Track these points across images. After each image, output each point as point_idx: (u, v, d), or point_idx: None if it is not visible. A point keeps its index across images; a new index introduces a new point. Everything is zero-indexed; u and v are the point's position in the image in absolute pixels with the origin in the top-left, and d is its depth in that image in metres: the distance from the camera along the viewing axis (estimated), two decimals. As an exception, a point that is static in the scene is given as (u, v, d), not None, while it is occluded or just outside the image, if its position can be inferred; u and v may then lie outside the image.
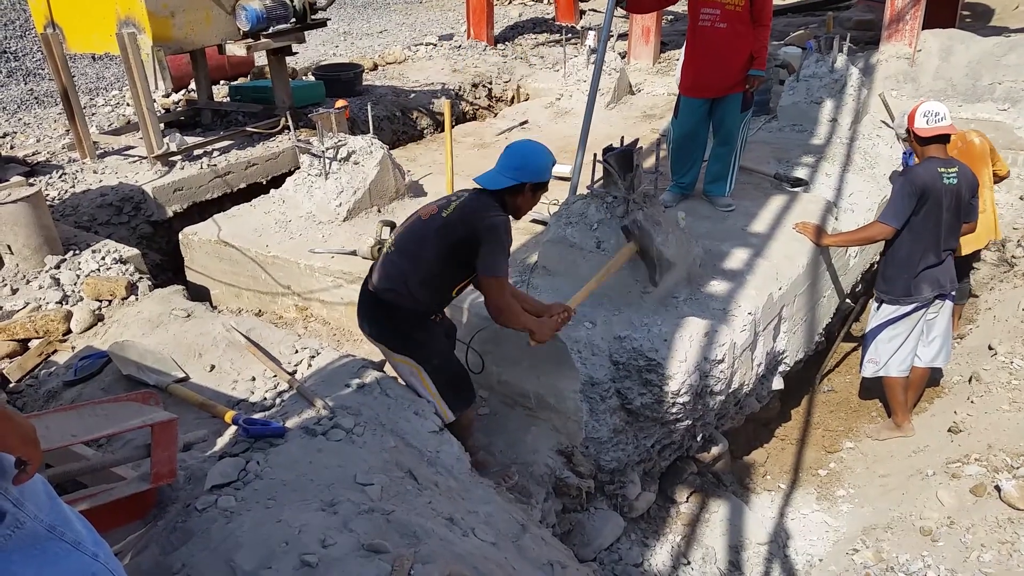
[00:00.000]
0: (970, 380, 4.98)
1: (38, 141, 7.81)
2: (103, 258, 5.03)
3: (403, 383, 3.66)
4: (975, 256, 6.10)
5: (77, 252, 5.10)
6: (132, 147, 7.16)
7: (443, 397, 3.52)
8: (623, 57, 10.40)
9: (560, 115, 8.47)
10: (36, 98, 9.83)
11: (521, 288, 4.22)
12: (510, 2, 16.65)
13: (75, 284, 4.78)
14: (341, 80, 9.12)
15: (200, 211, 6.49)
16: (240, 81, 9.87)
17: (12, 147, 7.63)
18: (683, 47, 5.62)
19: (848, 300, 5.72)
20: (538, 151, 3.35)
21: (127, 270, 4.97)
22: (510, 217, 3.33)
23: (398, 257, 3.35)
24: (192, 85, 8.96)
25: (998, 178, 5.66)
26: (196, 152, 6.95)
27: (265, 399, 3.53)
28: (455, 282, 3.36)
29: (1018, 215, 7.01)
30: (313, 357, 3.85)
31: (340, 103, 7.31)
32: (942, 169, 4.36)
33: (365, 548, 2.33)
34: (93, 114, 8.91)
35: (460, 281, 3.37)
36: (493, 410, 4.20)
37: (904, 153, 5.43)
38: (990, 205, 5.61)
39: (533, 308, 3.56)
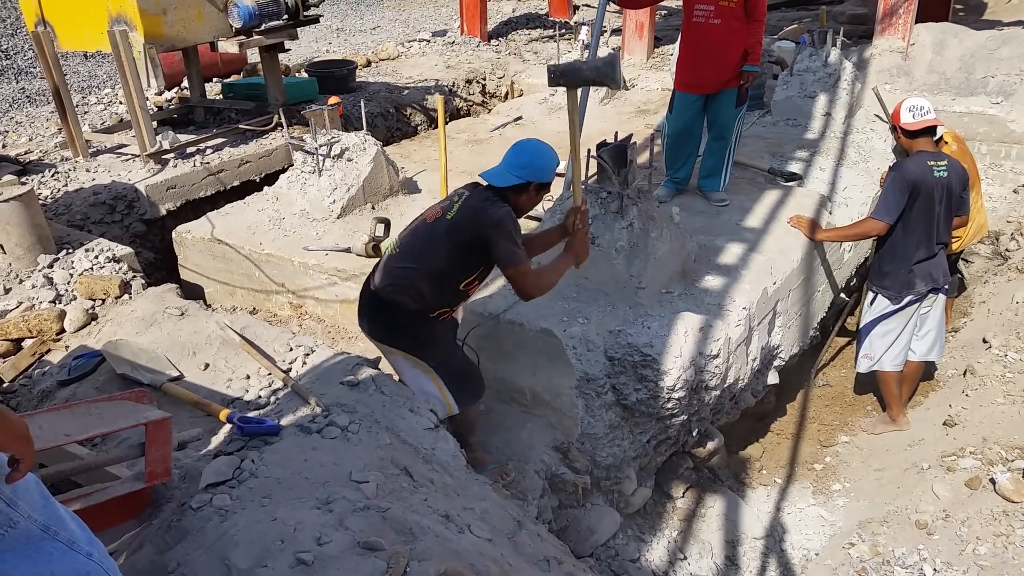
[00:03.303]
0: (965, 373, 4.99)
1: (30, 140, 7.77)
2: (96, 257, 5.01)
3: (398, 379, 3.66)
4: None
5: (70, 251, 5.08)
6: (125, 145, 7.13)
7: (451, 392, 3.54)
8: (617, 52, 10.38)
9: (554, 111, 8.46)
10: (28, 97, 9.79)
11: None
12: (503, -2, 16.62)
13: (68, 283, 4.76)
14: (334, 77, 9.09)
15: (193, 209, 6.47)
16: (233, 78, 9.84)
17: (4, 146, 7.60)
18: (677, 42, 5.62)
19: (843, 294, 5.73)
20: (544, 151, 3.34)
21: (120, 269, 4.95)
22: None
23: (403, 260, 3.36)
24: (185, 83, 8.92)
25: None
26: (189, 150, 6.93)
27: (260, 397, 3.52)
28: (464, 278, 3.36)
29: (1011, 208, 7.03)
30: (308, 355, 3.84)
31: (333, 100, 7.30)
32: (931, 162, 4.38)
33: (361, 546, 2.32)
34: (85, 112, 8.88)
35: (469, 277, 3.36)
36: (489, 407, 4.19)
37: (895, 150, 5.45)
38: (981, 200, 5.64)
39: (551, 240, 3.61)
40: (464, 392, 3.59)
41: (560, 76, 3.18)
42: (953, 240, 4.93)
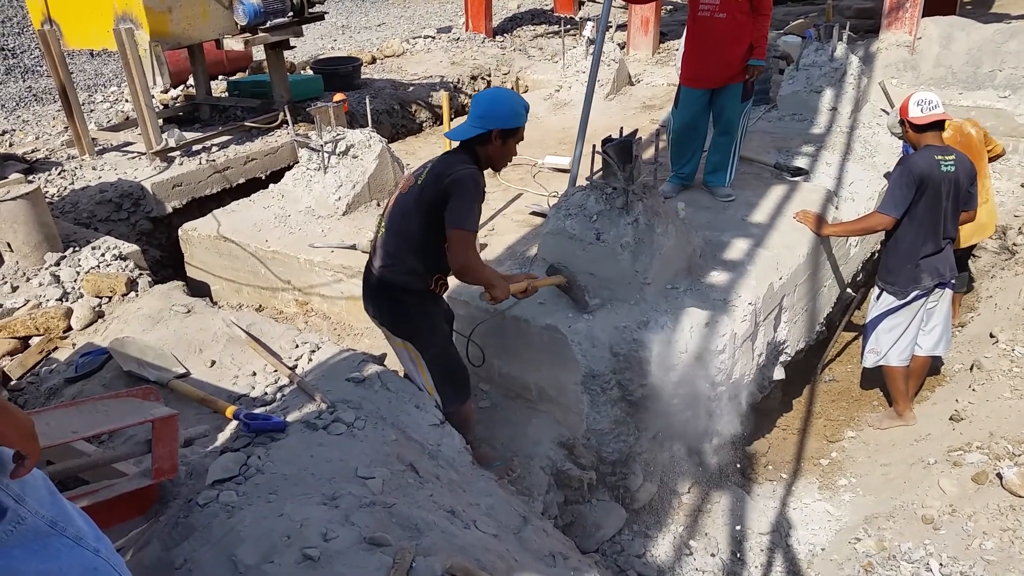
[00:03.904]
0: (971, 368, 4.97)
1: (37, 138, 7.81)
2: (103, 255, 5.03)
3: (403, 375, 3.67)
4: (974, 245, 6.10)
5: (77, 249, 5.10)
6: (131, 143, 7.15)
7: (438, 389, 3.53)
8: (622, 48, 10.36)
9: (559, 106, 8.45)
10: (34, 95, 9.82)
11: (521, 280, 4.22)
12: (508, -6, 16.60)
13: (75, 281, 4.78)
14: (339, 74, 9.10)
15: (199, 207, 6.49)
16: (238, 76, 9.87)
17: (11, 144, 7.63)
18: (682, 37, 5.61)
19: (849, 289, 5.71)
20: (502, 96, 3.27)
21: (127, 266, 4.97)
22: (483, 171, 3.29)
23: (389, 236, 3.35)
24: (190, 80, 8.95)
25: (994, 157, 5.63)
26: (195, 148, 6.94)
27: (266, 394, 3.54)
28: (432, 243, 3.30)
29: (1019, 203, 6.99)
30: (314, 352, 3.85)
31: (338, 97, 7.30)
32: (939, 157, 4.36)
33: (367, 541, 2.33)
34: (92, 111, 8.90)
35: (435, 243, 3.30)
36: (494, 403, 4.20)
37: (904, 144, 5.42)
38: (991, 194, 5.60)
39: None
40: (449, 391, 3.56)
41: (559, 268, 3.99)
42: None
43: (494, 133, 3.21)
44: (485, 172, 3.36)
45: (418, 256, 3.31)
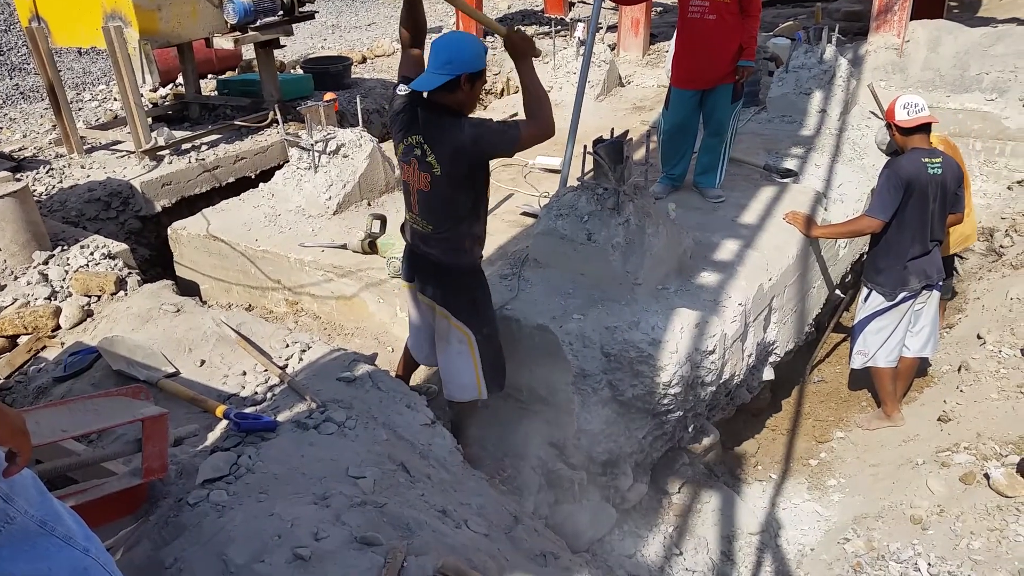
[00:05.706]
0: (959, 369, 5.01)
1: (24, 136, 7.75)
2: (91, 253, 5.00)
3: (395, 375, 3.66)
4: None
5: (65, 247, 5.07)
6: (120, 142, 7.11)
7: (485, 374, 3.58)
8: (612, 49, 10.38)
9: (550, 107, 8.45)
10: (22, 93, 9.75)
11: (512, 280, 4.23)
12: (499, -6, 16.60)
13: (64, 280, 4.75)
14: (330, 73, 9.09)
15: (189, 205, 6.47)
16: (228, 75, 9.83)
17: (-2, 142, 7.58)
18: (672, 39, 5.63)
19: (838, 291, 5.74)
20: (465, 39, 3.18)
21: (116, 265, 4.94)
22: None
23: (441, 227, 3.35)
24: (180, 79, 8.91)
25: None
26: (184, 146, 6.91)
27: (256, 393, 3.52)
28: (481, 199, 3.38)
29: (1005, 205, 7.06)
30: (304, 351, 3.84)
31: (329, 96, 7.31)
32: (926, 159, 4.39)
33: (358, 541, 2.33)
34: (80, 109, 8.85)
35: (483, 196, 3.39)
36: (484, 402, 4.19)
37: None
38: (971, 206, 5.65)
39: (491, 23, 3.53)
40: (492, 377, 3.65)
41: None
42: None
43: (463, 78, 3.11)
44: None
45: (469, 226, 3.36)
